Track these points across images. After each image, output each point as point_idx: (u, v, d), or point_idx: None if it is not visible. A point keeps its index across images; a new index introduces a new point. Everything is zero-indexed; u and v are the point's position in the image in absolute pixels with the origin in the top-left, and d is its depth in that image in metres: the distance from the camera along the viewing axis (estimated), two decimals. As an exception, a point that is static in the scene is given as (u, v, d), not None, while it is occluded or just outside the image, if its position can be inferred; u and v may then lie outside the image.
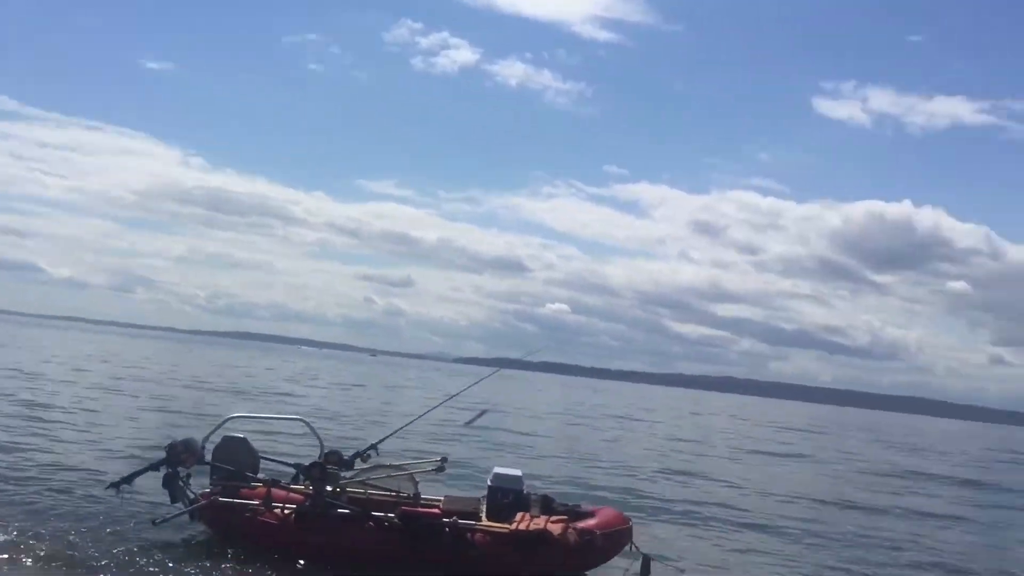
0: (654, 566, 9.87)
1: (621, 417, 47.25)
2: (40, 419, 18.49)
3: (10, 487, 11.37)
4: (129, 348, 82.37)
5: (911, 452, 43.14)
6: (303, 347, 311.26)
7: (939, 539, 15.13)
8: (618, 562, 9.87)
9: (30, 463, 13.20)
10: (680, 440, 33.30)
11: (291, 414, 13.68)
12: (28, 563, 8.19)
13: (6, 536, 8.92)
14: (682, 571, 10.55)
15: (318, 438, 10.14)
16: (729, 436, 40.45)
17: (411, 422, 11.24)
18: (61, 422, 18.47)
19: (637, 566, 9.79)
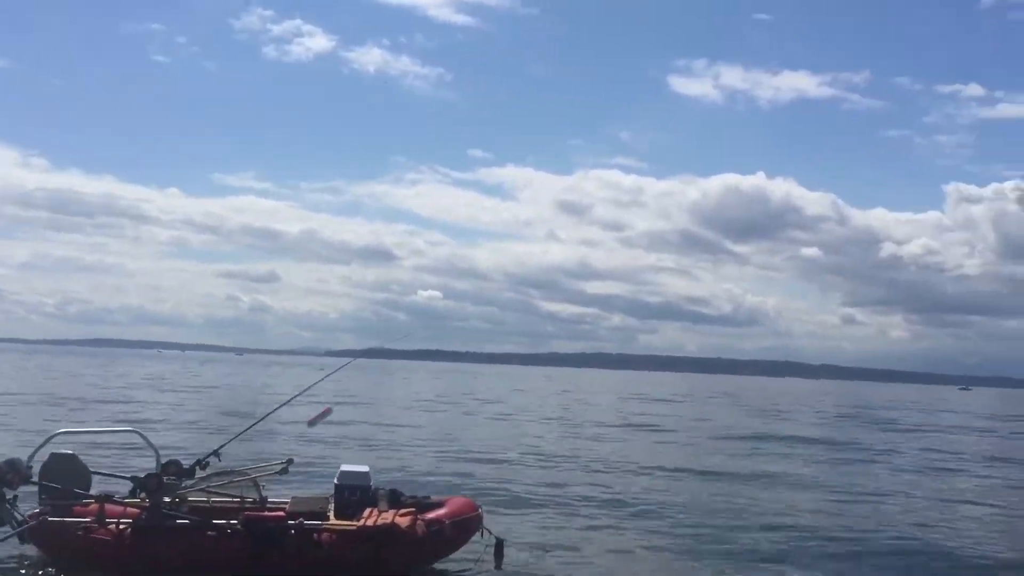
0: (507, 549, 10.03)
1: (487, 401, 47.80)
2: None
3: None
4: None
5: (767, 415, 45.23)
6: (163, 351, 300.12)
7: (789, 501, 15.87)
8: (471, 549, 9.97)
9: None
10: (545, 420, 33.98)
11: (125, 424, 13.19)
12: None
13: None
14: (537, 551, 10.77)
15: (153, 448, 9.78)
16: (593, 413, 41.46)
17: (254, 424, 11.03)
18: None
19: (491, 551, 9.92)
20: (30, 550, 9.37)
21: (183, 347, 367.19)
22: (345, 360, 13.11)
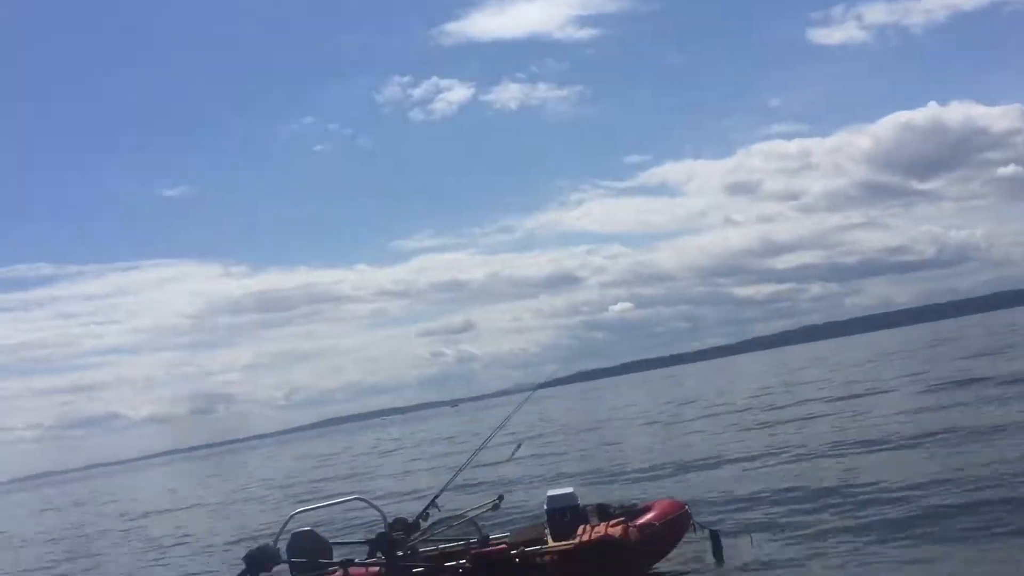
0: (724, 540, 10.27)
1: (686, 401, 46.62)
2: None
3: None
4: (210, 467, 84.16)
5: (995, 355, 40.49)
6: (386, 417, 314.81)
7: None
8: (687, 547, 10.23)
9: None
10: (744, 410, 32.54)
11: (350, 494, 14.37)
12: None
13: None
14: (753, 540, 10.81)
15: (378, 510, 10.68)
16: (801, 391, 39.43)
17: (460, 470, 11.78)
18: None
19: (707, 546, 10.17)
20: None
21: (403, 410, 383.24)
22: (528, 392, 13.73)
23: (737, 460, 17.82)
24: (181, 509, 34.07)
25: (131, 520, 32.83)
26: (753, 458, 17.82)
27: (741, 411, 31.38)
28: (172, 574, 17.00)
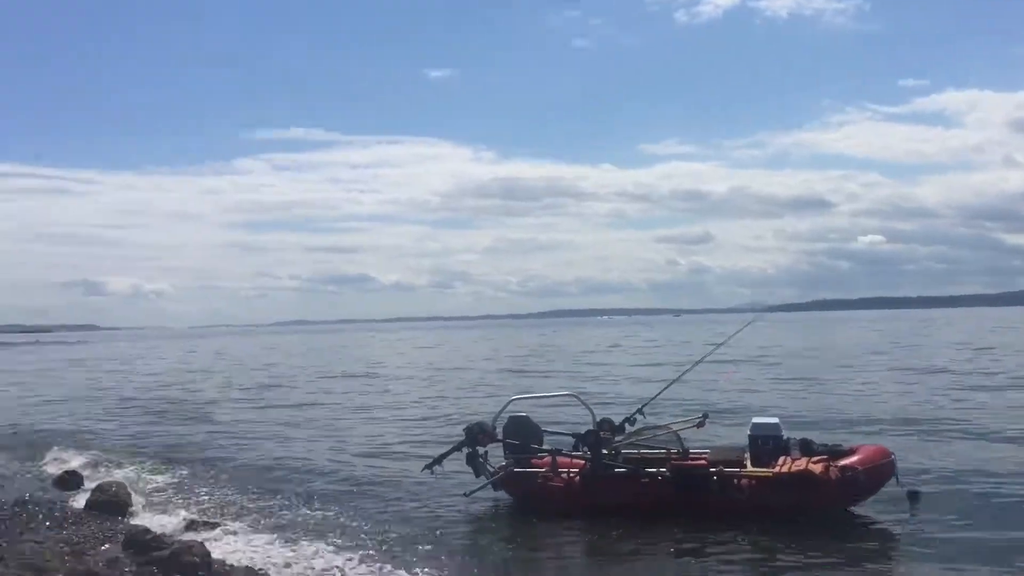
0: (925, 499, 10.16)
1: (936, 352, 43.53)
2: (368, 411, 22.11)
3: (348, 471, 13.99)
4: (447, 339, 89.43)
5: None
6: (611, 317, 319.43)
7: None
8: (885, 495, 10.20)
9: (362, 449, 16.21)
10: (1000, 374, 29.80)
11: (566, 389, 15.19)
12: (376, 536, 10.08)
13: (350, 516, 11.04)
14: (955, 502, 10.55)
15: (589, 409, 11.38)
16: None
17: (671, 383, 12.26)
18: (381, 415, 21.43)
19: (904, 499, 10.12)
20: (501, 495, 11.45)
21: (629, 312, 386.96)
22: (751, 317, 13.88)
23: (969, 427, 16.64)
24: (415, 374, 36.91)
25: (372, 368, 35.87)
26: (988, 430, 16.16)
27: (991, 373, 28.64)
28: (394, 430, 18.76)
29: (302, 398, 26.97)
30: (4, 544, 9.15)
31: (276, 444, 17.29)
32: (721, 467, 10.33)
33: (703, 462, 10.52)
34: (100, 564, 8.53)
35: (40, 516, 10.78)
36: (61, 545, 9.28)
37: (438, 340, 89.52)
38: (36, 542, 9.34)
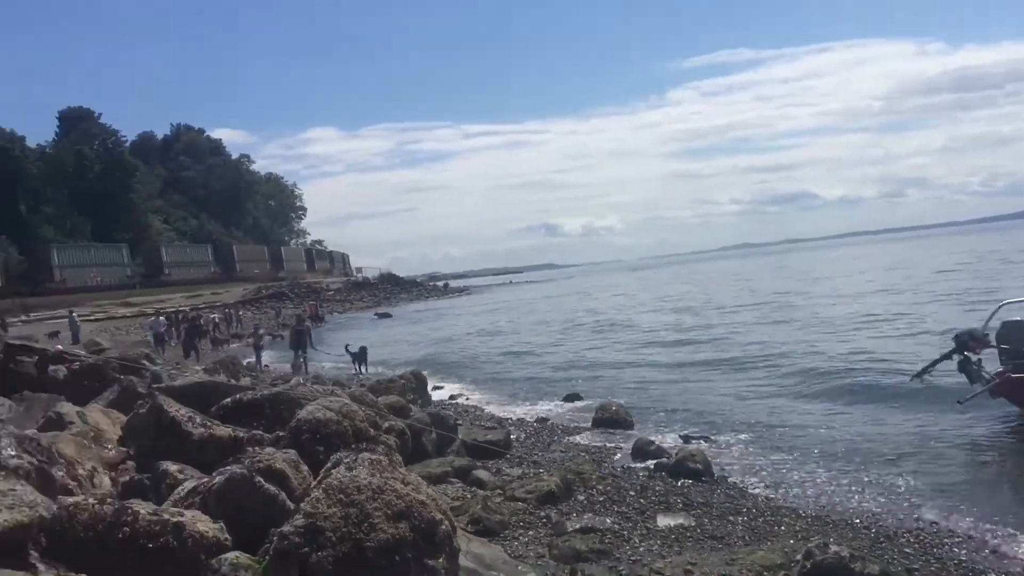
0: None
1: None
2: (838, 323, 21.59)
3: (831, 383, 14.21)
4: (903, 253, 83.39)
5: None
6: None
7: None
8: None
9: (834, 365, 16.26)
10: None
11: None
12: (862, 450, 10.22)
13: (832, 430, 11.24)
14: None
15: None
16: None
17: None
18: (855, 328, 21.01)
19: None
20: (998, 404, 10.84)
21: None
22: None
23: None
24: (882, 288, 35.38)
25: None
26: None
27: None
28: (871, 343, 18.48)
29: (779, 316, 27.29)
30: (539, 454, 10.78)
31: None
32: None
33: None
34: (618, 469, 9.75)
35: (559, 428, 12.44)
36: (582, 453, 10.71)
37: (892, 253, 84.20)
38: (561, 451, 10.88)
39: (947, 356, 11.02)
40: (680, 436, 11.52)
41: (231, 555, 4.42)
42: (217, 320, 40.30)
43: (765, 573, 5.75)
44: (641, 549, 6.58)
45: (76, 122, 75.79)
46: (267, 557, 4.37)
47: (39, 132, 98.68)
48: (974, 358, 10.81)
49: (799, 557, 5.71)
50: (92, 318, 40.26)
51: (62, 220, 65.02)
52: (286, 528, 4.41)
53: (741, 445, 10.84)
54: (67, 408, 6.20)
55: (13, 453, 4.05)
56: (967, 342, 10.82)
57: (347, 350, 20.52)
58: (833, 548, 5.70)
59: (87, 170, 67.77)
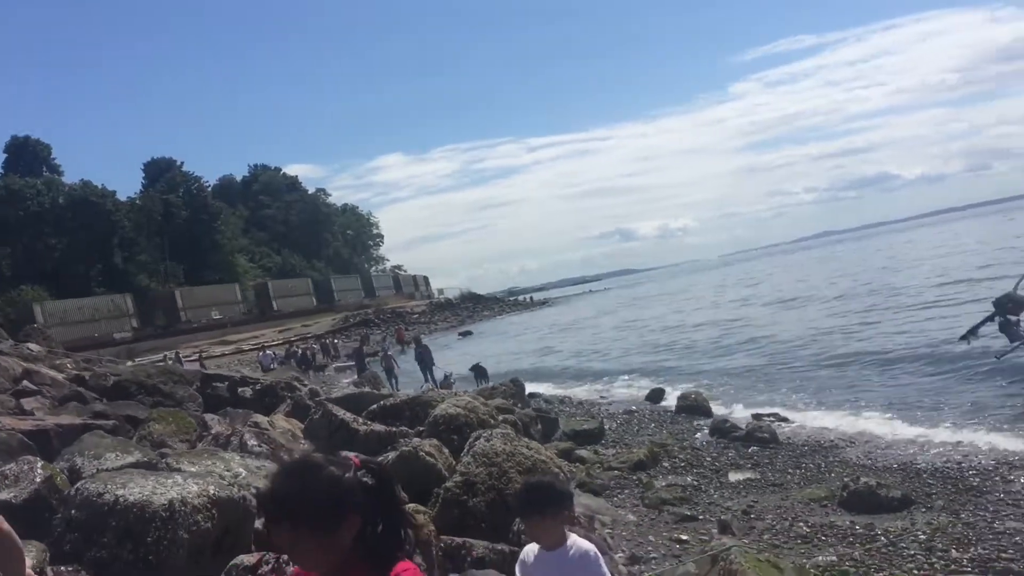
0: None
1: None
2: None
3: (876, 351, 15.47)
4: (993, 227, 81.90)
5: None
6: None
7: None
8: None
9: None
10: None
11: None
12: (920, 400, 11.59)
13: (892, 386, 12.59)
14: None
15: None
16: None
17: None
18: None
19: None
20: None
21: None
22: None
23: None
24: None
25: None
26: None
27: None
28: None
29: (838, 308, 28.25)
30: (629, 438, 12.41)
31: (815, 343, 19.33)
32: None
33: None
34: (697, 444, 11.34)
35: (646, 417, 14.04)
36: (667, 435, 12.29)
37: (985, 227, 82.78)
38: (648, 435, 12.48)
39: (990, 318, 12.22)
40: (752, 416, 13.00)
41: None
42: (318, 349, 43.44)
43: (812, 503, 7.33)
44: (715, 496, 8.20)
45: (160, 172, 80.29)
46: (436, 506, 6.13)
47: (125, 184, 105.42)
48: (1013, 319, 12.00)
49: (838, 489, 7.29)
50: (207, 355, 43.72)
51: (156, 266, 69.70)
52: (449, 483, 6.19)
53: (809, 415, 12.36)
54: (259, 418, 8.12)
55: (256, 442, 5.90)
56: (1007, 305, 12.00)
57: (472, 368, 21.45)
58: (863, 479, 7.26)
59: (175, 217, 72.13)
